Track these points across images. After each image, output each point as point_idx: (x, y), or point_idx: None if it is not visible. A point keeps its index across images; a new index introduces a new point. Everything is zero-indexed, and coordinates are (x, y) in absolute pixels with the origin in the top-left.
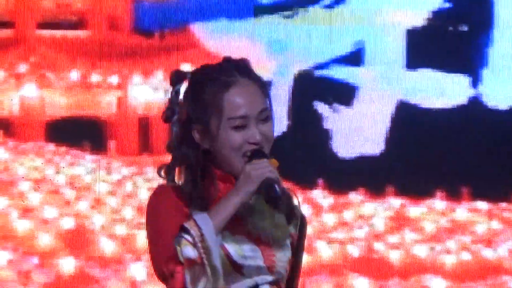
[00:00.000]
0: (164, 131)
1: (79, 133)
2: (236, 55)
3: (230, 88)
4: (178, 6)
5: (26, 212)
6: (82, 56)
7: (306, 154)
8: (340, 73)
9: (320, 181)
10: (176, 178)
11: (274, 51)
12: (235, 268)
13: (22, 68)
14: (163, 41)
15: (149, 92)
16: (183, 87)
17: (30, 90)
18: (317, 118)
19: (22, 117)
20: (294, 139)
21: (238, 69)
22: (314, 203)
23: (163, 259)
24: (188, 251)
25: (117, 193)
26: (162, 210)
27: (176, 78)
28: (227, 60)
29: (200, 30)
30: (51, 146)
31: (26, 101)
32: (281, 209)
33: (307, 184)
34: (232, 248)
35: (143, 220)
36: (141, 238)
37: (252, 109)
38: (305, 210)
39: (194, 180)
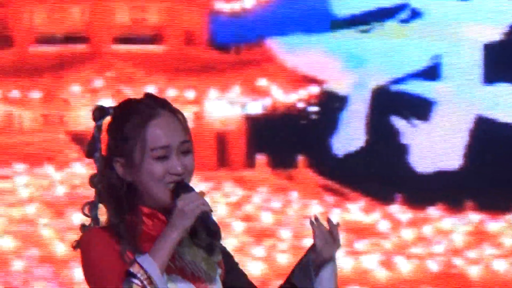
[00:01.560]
0: (241, 146)
1: None
2: (313, 69)
3: (152, 120)
4: (254, 20)
5: None
6: (158, 71)
7: (384, 169)
8: (417, 87)
9: (399, 196)
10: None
11: (351, 66)
12: None
13: (98, 83)
14: (239, 56)
15: (225, 107)
16: (105, 122)
17: (106, 105)
18: (395, 133)
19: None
20: (372, 154)
21: (159, 102)
22: (393, 218)
23: None
24: None
25: None
26: (97, 255)
27: (98, 113)
28: (149, 96)
29: (277, 45)
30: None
31: None
32: (203, 241)
33: (385, 199)
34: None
35: (222, 236)
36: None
37: (174, 140)
38: (384, 225)
39: (120, 214)
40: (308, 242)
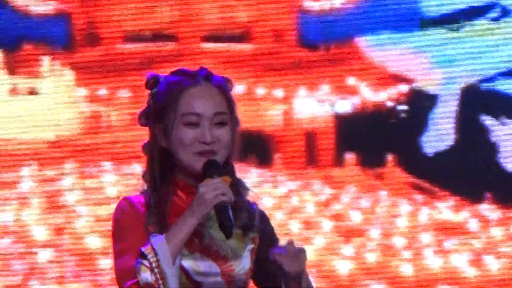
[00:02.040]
0: (330, 144)
1: (245, 146)
2: (402, 68)
3: (190, 88)
4: (343, 19)
5: None
6: (247, 69)
7: (474, 168)
8: (507, 86)
9: (488, 195)
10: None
11: (440, 64)
12: (194, 286)
13: None
14: (328, 54)
15: (314, 105)
16: None
17: None
18: (485, 131)
19: None
20: (462, 153)
21: (202, 74)
22: (482, 217)
23: (121, 278)
24: (146, 276)
25: (283, 206)
26: (121, 227)
27: (153, 82)
28: (199, 69)
29: (366, 43)
30: None
31: None
32: (237, 225)
33: (475, 198)
34: (190, 267)
35: (309, 234)
36: (308, 252)
37: (207, 109)
38: (473, 224)
39: (154, 181)
40: (397, 241)
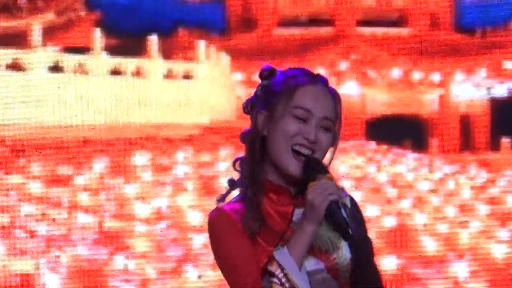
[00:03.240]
0: (486, 129)
1: (401, 131)
2: None
3: (309, 85)
4: (500, 3)
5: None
6: (403, 54)
7: None
8: None
9: None
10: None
11: None
12: None
13: (343, 65)
14: (485, 39)
15: (471, 89)
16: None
17: (351, 88)
18: None
19: (343, 115)
20: None
21: (322, 78)
22: None
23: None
24: None
25: (440, 191)
26: (228, 245)
27: (267, 73)
28: (317, 73)
29: None
30: (372, 145)
31: (347, 98)
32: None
33: None
34: None
35: (466, 218)
36: (464, 237)
37: (319, 110)
38: None
39: (251, 169)
40: None
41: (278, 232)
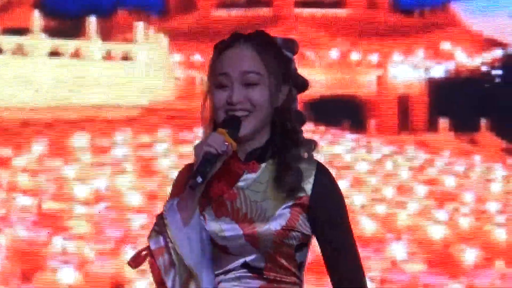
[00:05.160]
0: (424, 109)
1: (339, 112)
2: (497, 33)
3: (226, 50)
4: None
5: None
6: (342, 35)
7: None
8: None
9: None
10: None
11: None
12: (221, 250)
13: None
14: (423, 20)
15: (408, 70)
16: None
17: None
18: None
19: None
20: None
21: (244, 36)
22: None
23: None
24: (156, 240)
25: (378, 172)
26: (172, 187)
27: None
28: (253, 32)
29: (461, 8)
30: (311, 125)
31: None
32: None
33: None
34: (214, 231)
35: (404, 199)
36: (402, 218)
37: (235, 69)
38: None
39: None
40: (491, 206)
41: (217, 193)
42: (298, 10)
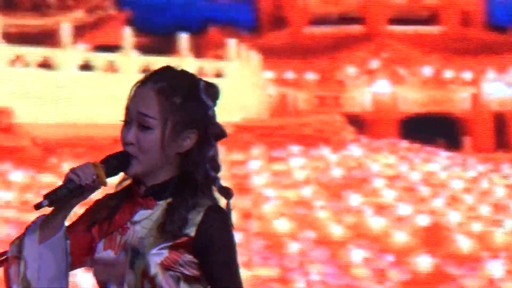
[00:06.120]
0: None
1: (433, 129)
2: None
3: (137, 87)
4: None
5: (381, 209)
6: (435, 52)
7: None
8: None
9: None
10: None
11: None
12: (101, 283)
13: (374, 64)
14: None
15: (503, 88)
16: None
17: (382, 86)
18: None
19: (374, 113)
20: None
21: (155, 77)
22: None
23: None
24: (14, 248)
25: (473, 190)
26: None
27: None
28: (165, 74)
29: None
30: (405, 143)
31: (379, 97)
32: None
33: None
34: (97, 261)
35: (500, 217)
36: (499, 235)
37: (134, 108)
38: None
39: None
40: None
41: (115, 226)
42: (390, 27)
